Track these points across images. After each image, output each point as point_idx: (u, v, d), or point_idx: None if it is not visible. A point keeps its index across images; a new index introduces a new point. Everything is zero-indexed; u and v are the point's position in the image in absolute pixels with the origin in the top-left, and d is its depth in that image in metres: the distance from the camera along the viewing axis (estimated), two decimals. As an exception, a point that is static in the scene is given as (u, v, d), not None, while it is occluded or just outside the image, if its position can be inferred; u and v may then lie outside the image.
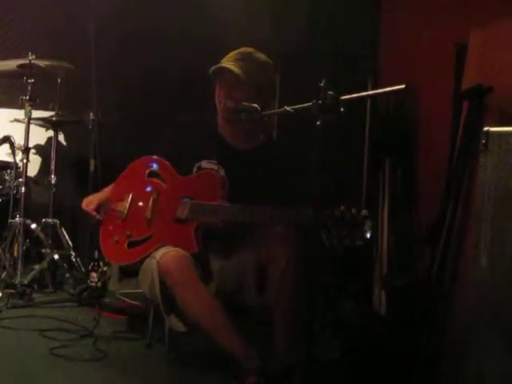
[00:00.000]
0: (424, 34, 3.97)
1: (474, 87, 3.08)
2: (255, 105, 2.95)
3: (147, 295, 3.11)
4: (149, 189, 3.19)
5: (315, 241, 2.65)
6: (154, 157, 3.25)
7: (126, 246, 3.14)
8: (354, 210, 2.63)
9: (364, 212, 2.64)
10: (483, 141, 2.35)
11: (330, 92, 2.40)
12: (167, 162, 3.21)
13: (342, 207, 2.64)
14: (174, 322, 3.00)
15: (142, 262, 3.09)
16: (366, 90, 2.77)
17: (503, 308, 2.25)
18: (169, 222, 3.08)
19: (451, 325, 2.88)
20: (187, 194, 3.08)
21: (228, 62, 3.14)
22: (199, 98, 3.35)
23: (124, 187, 3.26)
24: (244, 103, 2.99)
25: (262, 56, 3.21)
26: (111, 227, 3.22)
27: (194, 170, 3.20)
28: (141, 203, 3.18)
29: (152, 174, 3.24)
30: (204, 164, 3.20)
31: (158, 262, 2.92)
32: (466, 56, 3.28)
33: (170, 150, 3.26)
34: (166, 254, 2.93)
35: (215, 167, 3.18)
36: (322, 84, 2.42)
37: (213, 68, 3.14)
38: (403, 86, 2.30)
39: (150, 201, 3.13)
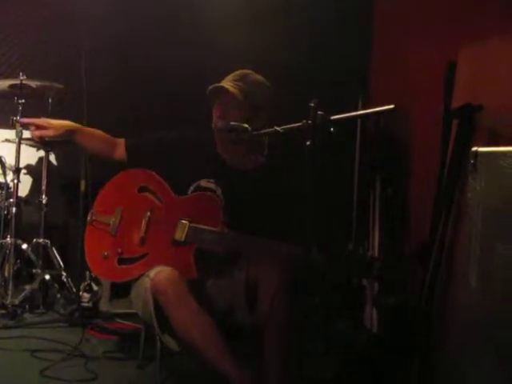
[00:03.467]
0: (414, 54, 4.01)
1: (464, 106, 3.10)
2: (245, 125, 2.92)
3: (140, 314, 3.05)
4: (141, 205, 3.09)
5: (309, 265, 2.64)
6: (147, 171, 3.16)
7: (116, 262, 3.05)
8: (361, 250, 2.64)
9: (371, 253, 2.64)
10: (472, 161, 2.37)
11: (320, 112, 2.40)
12: (161, 178, 3.13)
13: (351, 247, 2.65)
14: (168, 341, 2.96)
15: (134, 280, 3.02)
16: (356, 110, 2.76)
17: (493, 328, 2.26)
18: (165, 244, 3.00)
19: (442, 344, 2.87)
20: (186, 215, 3.01)
21: (225, 83, 3.13)
22: (197, 118, 3.33)
23: (113, 199, 3.17)
24: (233, 123, 2.93)
25: (259, 77, 3.19)
26: (99, 240, 3.11)
27: (192, 188, 3.15)
28: (133, 219, 3.07)
29: (142, 189, 3.15)
30: (203, 183, 3.15)
31: (151, 280, 2.86)
32: (455, 74, 3.30)
33: (167, 165, 3.17)
34: (159, 273, 2.87)
35: (213, 186, 3.14)
36: (312, 104, 2.42)
37: (210, 87, 3.12)
38: (392, 107, 2.31)
39: (144, 218, 3.05)
